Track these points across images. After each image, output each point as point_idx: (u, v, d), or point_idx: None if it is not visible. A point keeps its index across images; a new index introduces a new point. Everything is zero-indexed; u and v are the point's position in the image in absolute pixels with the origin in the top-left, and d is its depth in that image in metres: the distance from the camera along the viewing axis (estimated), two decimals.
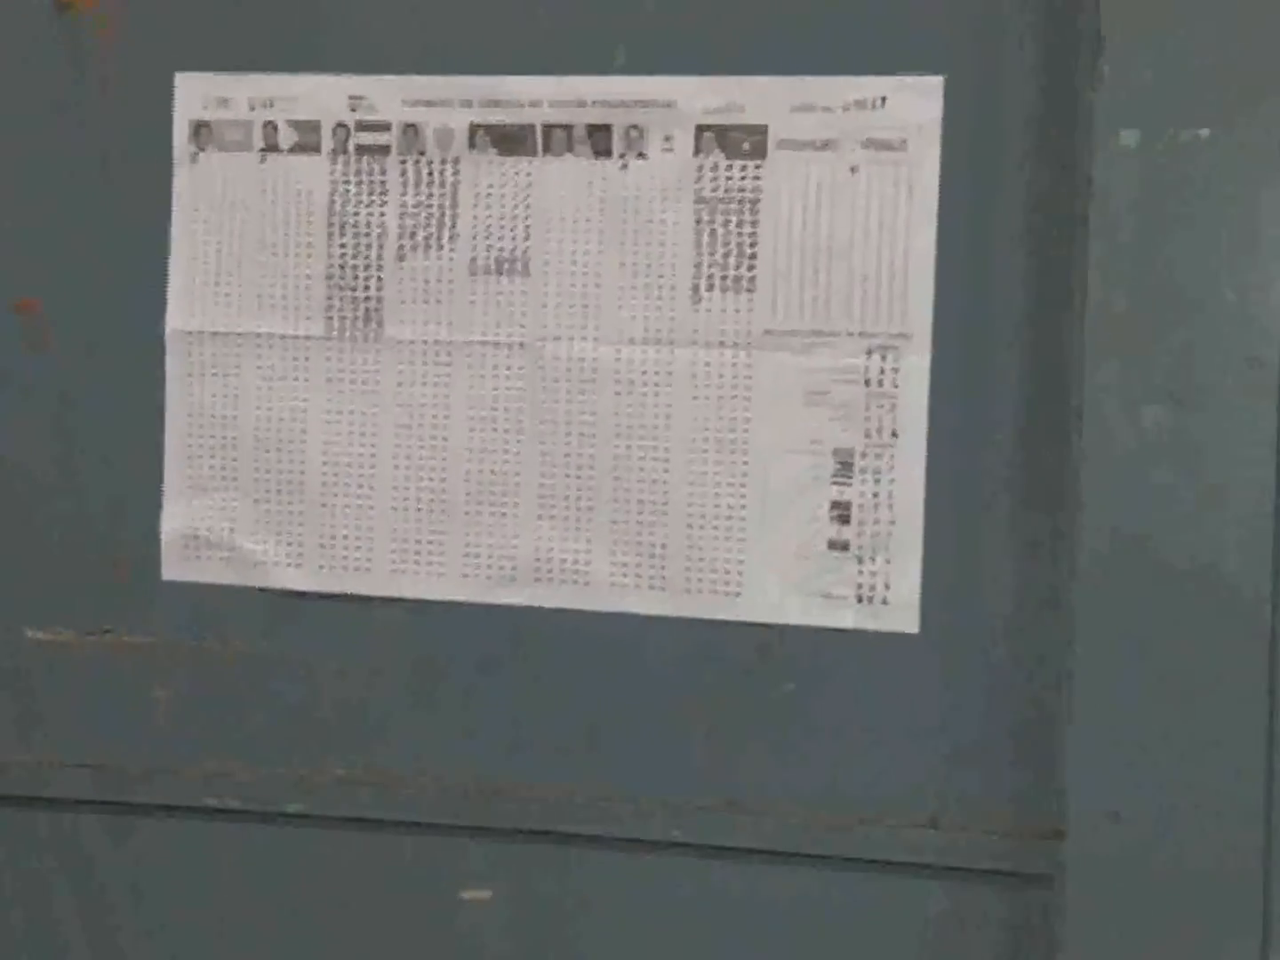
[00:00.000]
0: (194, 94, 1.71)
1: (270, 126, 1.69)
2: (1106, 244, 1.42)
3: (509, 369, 1.65)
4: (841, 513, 1.59)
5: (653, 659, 1.64)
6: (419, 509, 1.68)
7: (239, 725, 1.73)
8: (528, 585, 1.66)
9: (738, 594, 1.62)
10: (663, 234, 1.62)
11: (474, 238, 1.65)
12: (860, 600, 1.59)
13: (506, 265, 1.65)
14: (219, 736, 1.73)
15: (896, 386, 1.57)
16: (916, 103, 1.55)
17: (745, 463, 1.61)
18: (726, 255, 1.61)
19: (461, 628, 1.68)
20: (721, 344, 1.61)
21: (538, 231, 1.64)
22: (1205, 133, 1.40)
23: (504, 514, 1.66)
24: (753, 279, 1.60)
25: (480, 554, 1.67)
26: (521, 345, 1.65)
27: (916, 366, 1.57)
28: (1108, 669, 1.42)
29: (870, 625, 1.58)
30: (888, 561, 1.58)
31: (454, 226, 1.66)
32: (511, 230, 1.65)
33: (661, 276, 1.62)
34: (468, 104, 1.65)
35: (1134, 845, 1.42)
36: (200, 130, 1.70)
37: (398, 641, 1.70)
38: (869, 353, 1.58)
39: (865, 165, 1.57)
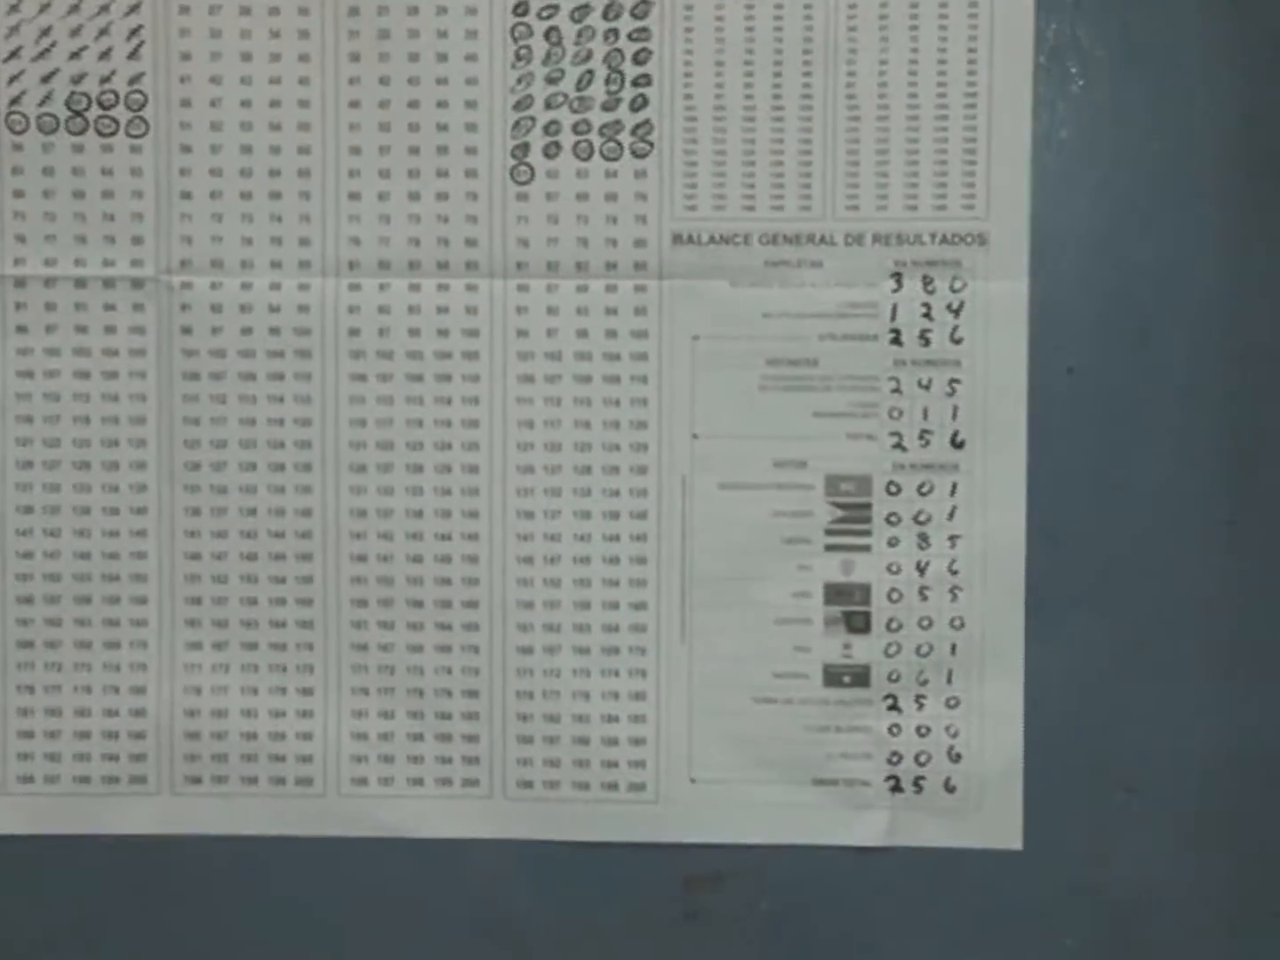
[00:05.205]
0: None
1: None
2: None
3: (115, 332, 0.78)
4: (850, 607, 0.78)
5: (460, 929, 0.79)
6: None
7: None
8: (168, 794, 0.78)
9: (640, 788, 0.78)
10: (446, 45, 0.78)
11: (29, 56, 0.78)
12: (897, 788, 0.78)
13: (100, 117, 0.78)
14: None
15: (959, 343, 0.77)
16: None
17: (643, 511, 0.78)
18: (585, 82, 0.78)
19: (27, 889, 0.79)
20: (582, 266, 0.78)
21: (162, 40, 0.77)
22: None
23: (114, 642, 0.78)
24: (644, 128, 0.78)
25: (62, 730, 0.79)
26: (140, 284, 0.78)
27: (1001, 301, 0.77)
28: None
29: (922, 839, 0.78)
30: (952, 705, 0.78)
31: None
32: (104, 39, 0.78)
33: (447, 128, 0.78)
34: None
35: None
36: None
37: None
38: (898, 276, 0.77)
39: None
